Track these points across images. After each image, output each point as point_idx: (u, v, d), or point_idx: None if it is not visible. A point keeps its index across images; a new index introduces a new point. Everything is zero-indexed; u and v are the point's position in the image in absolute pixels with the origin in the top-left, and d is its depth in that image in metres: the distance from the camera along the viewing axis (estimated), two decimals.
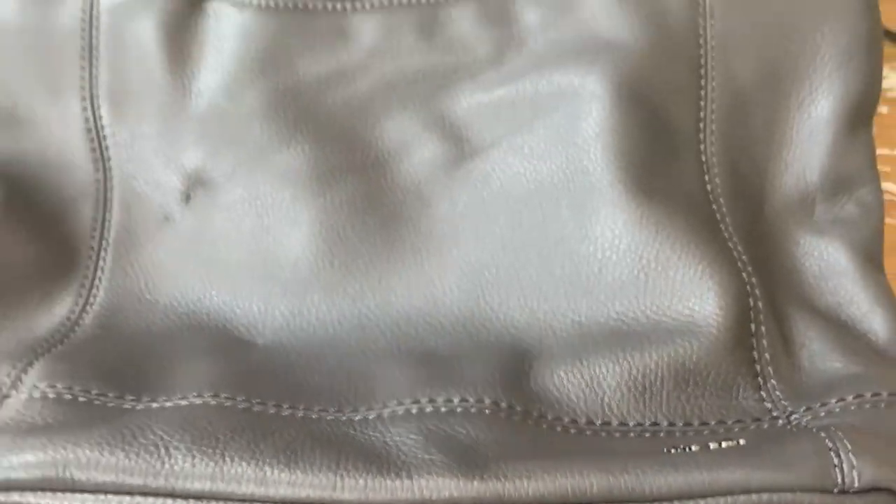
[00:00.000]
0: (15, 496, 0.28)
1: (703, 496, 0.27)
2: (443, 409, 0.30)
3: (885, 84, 0.41)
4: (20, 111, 0.40)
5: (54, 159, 0.40)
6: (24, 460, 0.28)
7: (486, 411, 0.30)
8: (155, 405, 0.31)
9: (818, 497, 0.27)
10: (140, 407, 0.31)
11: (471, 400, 0.30)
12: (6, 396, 0.31)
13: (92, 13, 0.41)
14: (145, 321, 0.37)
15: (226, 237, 0.38)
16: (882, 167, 0.40)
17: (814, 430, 0.29)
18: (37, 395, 0.31)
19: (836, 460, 0.27)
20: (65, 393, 0.31)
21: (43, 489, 0.28)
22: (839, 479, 0.27)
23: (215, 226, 0.38)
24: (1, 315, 0.36)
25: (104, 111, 0.40)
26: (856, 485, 0.27)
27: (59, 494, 0.28)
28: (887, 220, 0.39)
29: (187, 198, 0.39)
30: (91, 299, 0.37)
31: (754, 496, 0.27)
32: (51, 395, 0.31)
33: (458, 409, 0.30)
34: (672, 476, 0.27)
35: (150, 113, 0.40)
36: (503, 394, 0.31)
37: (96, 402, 0.31)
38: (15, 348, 0.34)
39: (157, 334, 0.36)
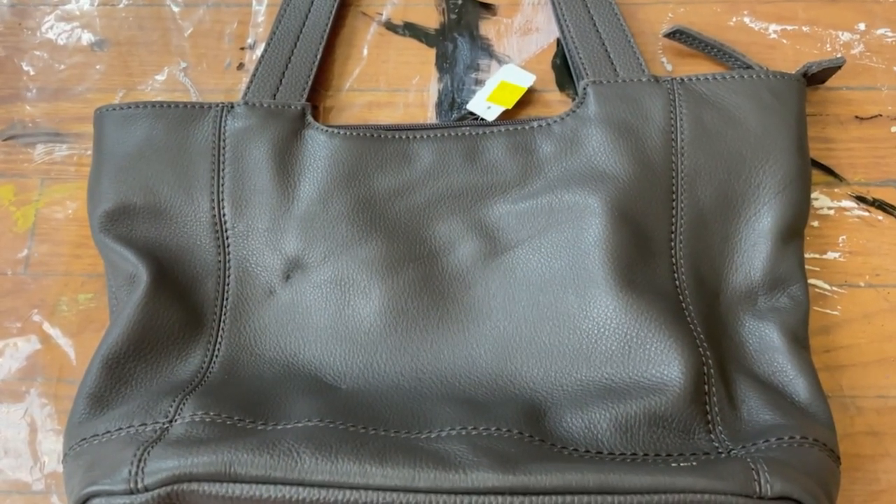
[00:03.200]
0: (193, 485, 0.37)
1: (665, 492, 0.35)
2: (483, 433, 0.38)
3: (816, 203, 0.51)
4: (163, 207, 0.47)
5: (186, 244, 0.47)
6: (201, 460, 0.37)
7: (514, 437, 0.38)
8: (279, 427, 0.39)
9: (742, 500, 0.35)
10: (269, 428, 0.39)
11: (503, 429, 0.38)
12: (173, 421, 0.40)
13: (220, 136, 0.49)
14: (257, 369, 0.44)
15: (316, 307, 0.46)
16: (814, 267, 0.49)
17: (745, 458, 0.37)
18: (197, 419, 0.39)
19: (756, 477, 0.36)
20: (216, 418, 0.39)
21: (213, 480, 0.37)
22: (758, 489, 0.36)
23: (308, 299, 0.46)
24: (156, 364, 0.44)
25: (227, 209, 0.47)
26: (769, 494, 0.36)
27: (225, 484, 0.36)
28: (816, 308, 0.48)
29: (287, 277, 0.46)
30: (216, 352, 0.45)
31: (699, 496, 0.35)
32: (207, 420, 0.39)
33: (494, 434, 0.38)
34: (645, 477, 0.36)
35: (262, 212, 0.47)
36: (525, 428, 0.39)
37: (239, 425, 0.39)
38: (169, 389, 0.42)
39: (267, 379, 0.44)
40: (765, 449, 0.38)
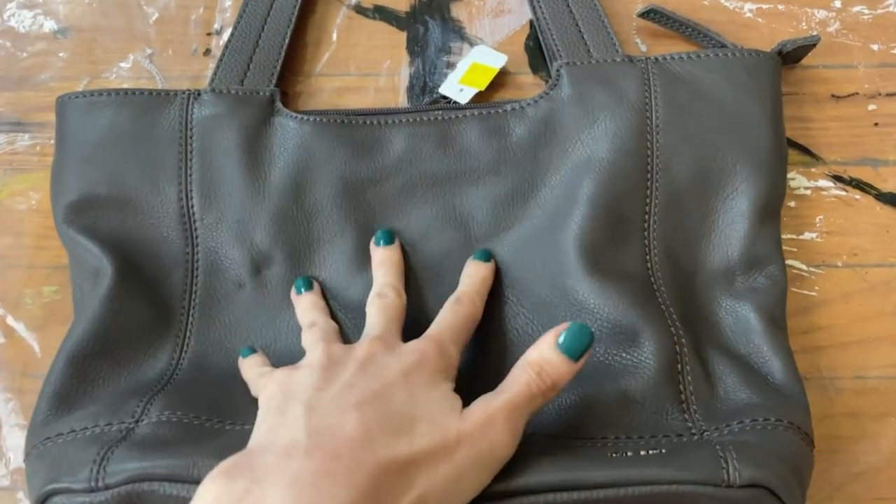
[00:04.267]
0: (154, 485, 0.36)
1: (631, 485, 0.35)
2: None
3: (793, 183, 0.50)
4: (129, 198, 0.46)
5: (153, 236, 0.46)
6: (164, 463, 0.36)
7: None
8: (246, 426, 0.39)
9: (710, 489, 0.35)
10: (237, 428, 0.39)
11: None
12: (139, 420, 0.39)
13: (187, 125, 0.48)
14: (227, 365, 0.44)
15: (287, 301, 0.45)
16: (791, 248, 0.49)
17: (714, 444, 0.37)
18: (164, 419, 0.39)
19: (724, 465, 0.35)
20: (183, 417, 0.39)
21: (174, 481, 0.36)
22: (726, 478, 0.35)
23: (278, 291, 0.45)
24: (123, 361, 0.43)
25: (195, 200, 0.46)
26: (738, 482, 0.35)
27: (186, 485, 0.36)
28: (794, 289, 0.48)
29: (257, 270, 0.46)
30: (185, 348, 0.44)
31: (665, 487, 0.35)
32: (174, 419, 0.39)
33: None
34: (610, 471, 0.35)
35: (231, 202, 0.46)
36: None
37: (206, 425, 0.39)
38: (136, 388, 0.41)
39: (237, 375, 0.43)
40: (738, 431, 0.38)
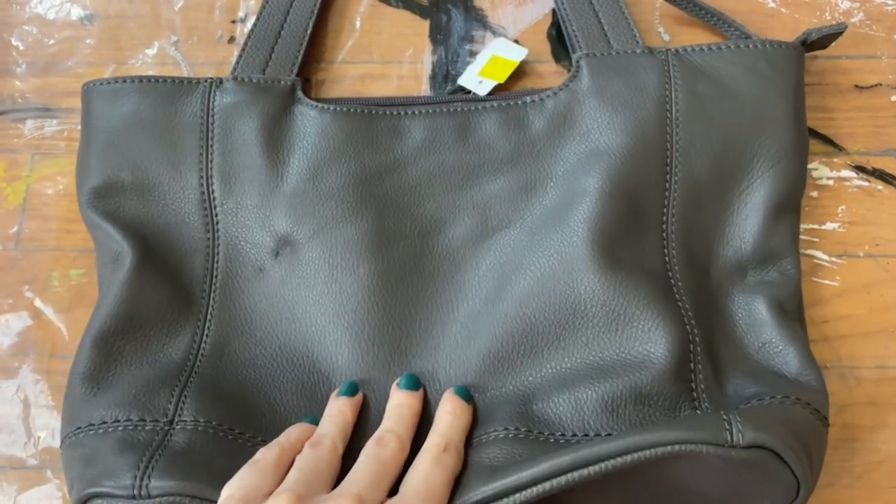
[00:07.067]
0: (196, 502, 0.38)
1: (637, 450, 0.35)
2: (473, 442, 0.40)
3: (815, 174, 0.50)
4: (151, 184, 0.47)
5: (175, 221, 0.47)
6: (210, 485, 0.38)
7: (500, 436, 0.39)
8: None
9: (713, 448, 0.35)
10: None
11: (490, 431, 0.40)
12: (173, 422, 0.41)
13: (208, 112, 0.48)
14: (249, 353, 0.44)
15: (306, 285, 0.45)
16: (812, 238, 0.49)
17: (719, 411, 0.37)
18: (200, 428, 0.41)
19: (727, 426, 0.35)
20: (219, 429, 0.41)
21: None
22: (729, 438, 0.35)
23: (297, 276, 0.45)
24: (145, 342, 0.44)
25: (216, 186, 0.47)
26: (741, 443, 0.35)
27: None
28: (815, 279, 0.48)
29: (276, 254, 0.46)
30: (207, 332, 0.45)
31: (668, 447, 0.35)
32: (210, 430, 0.41)
33: (483, 440, 0.40)
34: (615, 442, 0.35)
35: (251, 189, 0.47)
36: (512, 421, 0.40)
37: (240, 440, 0.41)
38: (162, 375, 0.42)
39: (260, 367, 0.44)
40: (745, 408, 0.38)
